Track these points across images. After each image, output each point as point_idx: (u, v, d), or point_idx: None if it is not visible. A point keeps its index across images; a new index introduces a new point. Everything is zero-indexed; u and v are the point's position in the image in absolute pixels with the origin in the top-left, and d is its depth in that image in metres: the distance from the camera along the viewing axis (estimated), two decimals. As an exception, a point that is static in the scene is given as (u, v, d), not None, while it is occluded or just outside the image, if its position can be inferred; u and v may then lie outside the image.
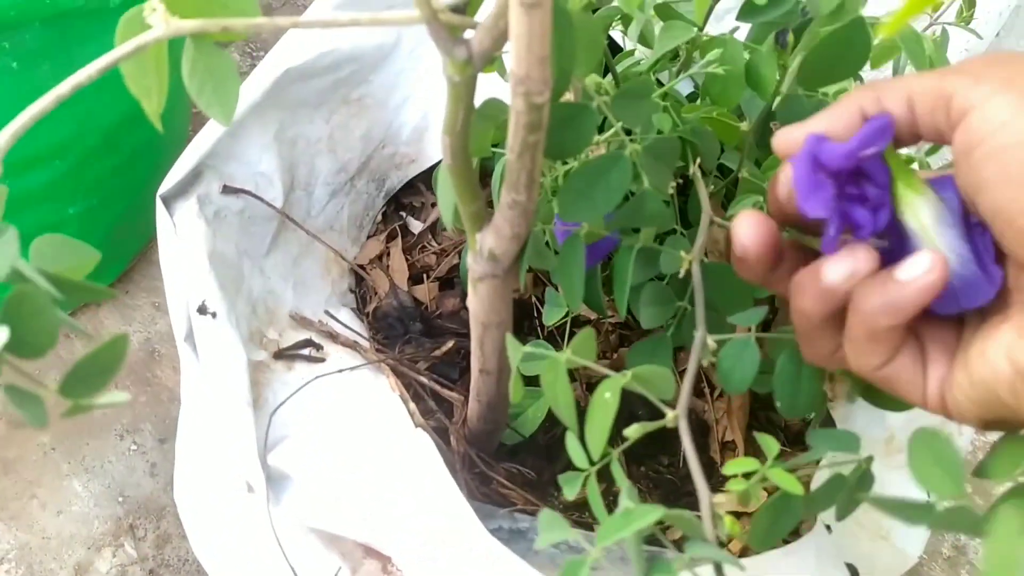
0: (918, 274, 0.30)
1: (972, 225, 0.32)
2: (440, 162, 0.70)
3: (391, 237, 0.79)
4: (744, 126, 0.57)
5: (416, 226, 0.80)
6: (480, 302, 0.50)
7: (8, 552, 0.91)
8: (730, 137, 0.59)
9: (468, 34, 0.38)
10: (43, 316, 0.31)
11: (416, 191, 0.82)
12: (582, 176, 0.42)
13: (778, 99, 0.54)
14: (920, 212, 0.32)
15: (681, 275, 0.47)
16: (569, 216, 0.43)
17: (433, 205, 0.81)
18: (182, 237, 0.59)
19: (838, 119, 0.34)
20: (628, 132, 0.49)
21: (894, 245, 0.33)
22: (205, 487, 0.70)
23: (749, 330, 0.45)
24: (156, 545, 0.93)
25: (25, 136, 0.89)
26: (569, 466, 0.71)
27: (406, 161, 0.79)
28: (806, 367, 0.44)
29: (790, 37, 0.51)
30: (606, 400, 0.38)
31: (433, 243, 0.79)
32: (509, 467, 0.66)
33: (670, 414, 0.40)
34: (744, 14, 0.53)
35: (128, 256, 1.08)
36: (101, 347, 0.32)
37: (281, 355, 0.63)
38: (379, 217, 0.80)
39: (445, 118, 0.41)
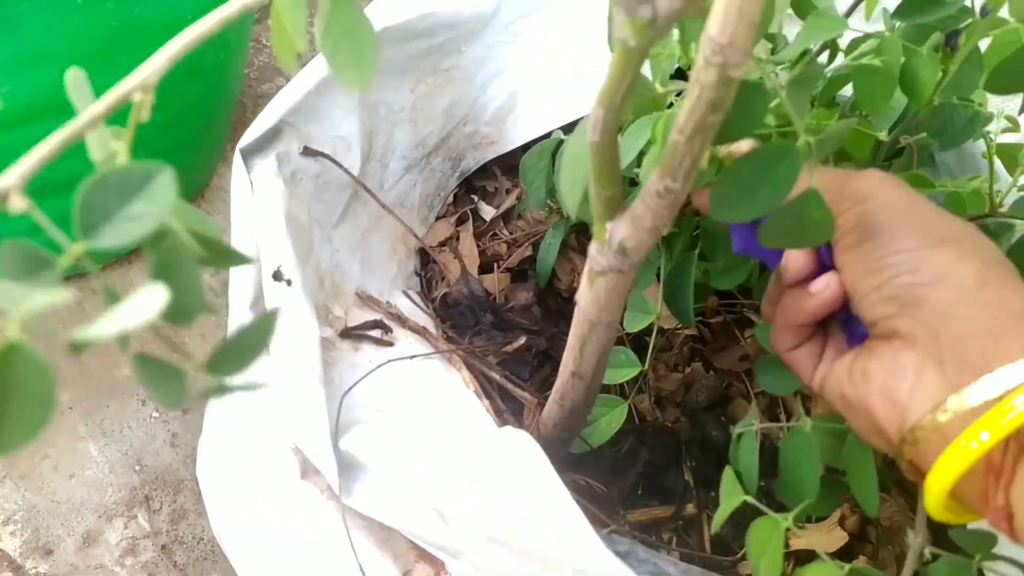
0: (820, 288, 0.41)
1: None
2: (535, 144, 0.66)
3: (461, 221, 0.74)
4: (883, 136, 0.52)
5: (488, 212, 0.75)
6: (595, 298, 0.45)
7: (15, 513, 0.86)
8: (860, 148, 0.55)
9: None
10: (192, 276, 0.26)
11: (490, 175, 0.77)
12: (749, 166, 0.37)
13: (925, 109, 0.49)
14: None
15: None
16: (722, 212, 0.38)
17: (507, 191, 0.76)
18: (258, 196, 0.54)
19: None
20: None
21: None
22: (238, 465, 0.66)
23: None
24: (171, 520, 0.88)
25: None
26: (636, 486, 0.66)
27: (485, 142, 0.74)
28: None
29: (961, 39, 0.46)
30: None
31: (504, 231, 0.74)
32: (578, 479, 0.61)
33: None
34: (903, 12, 0.48)
35: (166, 215, 1.03)
36: (253, 324, 0.27)
37: (348, 334, 0.59)
38: (450, 199, 0.75)
39: (604, 87, 0.36)
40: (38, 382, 0.21)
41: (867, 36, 0.47)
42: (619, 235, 0.41)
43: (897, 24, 0.50)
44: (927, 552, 0.40)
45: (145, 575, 0.85)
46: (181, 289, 0.25)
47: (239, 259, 0.31)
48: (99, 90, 0.78)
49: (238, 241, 0.55)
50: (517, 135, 0.74)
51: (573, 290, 0.73)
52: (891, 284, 0.38)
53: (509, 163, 0.77)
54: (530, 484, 0.42)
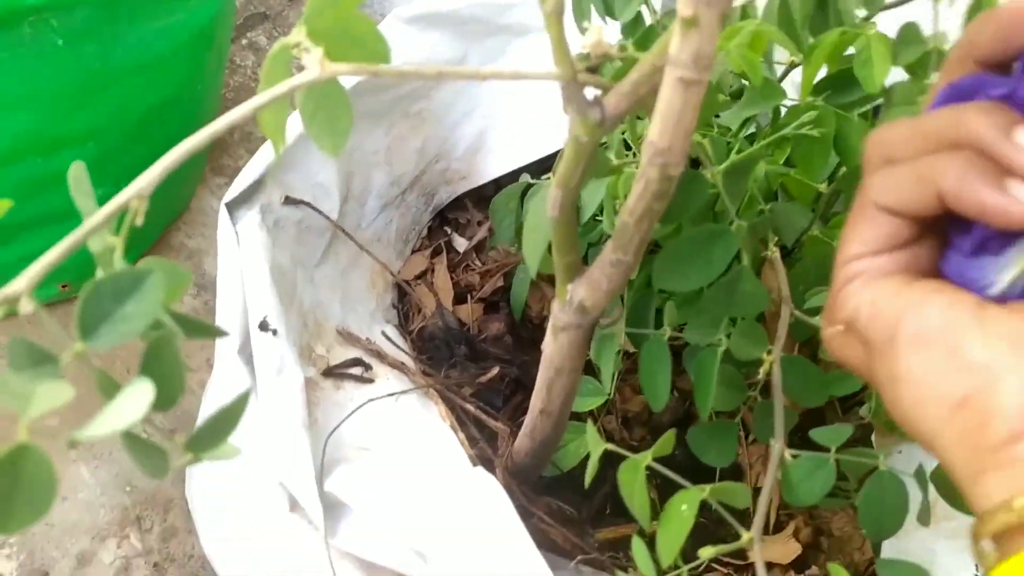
0: None
1: None
2: (504, 178, 0.70)
3: (436, 253, 0.78)
4: (823, 188, 0.56)
5: (461, 244, 0.79)
6: (559, 349, 0.49)
7: (9, 537, 0.89)
8: (805, 197, 0.59)
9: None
10: (176, 365, 0.30)
11: (463, 207, 0.81)
12: (685, 245, 0.42)
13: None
14: None
15: (760, 376, 0.46)
16: (663, 285, 0.43)
17: (479, 223, 0.80)
18: (244, 248, 0.58)
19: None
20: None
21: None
22: (227, 492, 0.69)
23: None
24: (162, 538, 0.92)
25: (62, 117, 0.87)
26: (605, 505, 0.70)
27: (457, 177, 0.78)
28: (893, 493, 0.43)
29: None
30: (682, 513, 0.39)
31: (477, 262, 0.78)
32: (549, 502, 0.65)
33: (745, 536, 0.40)
34: (821, 89, 0.53)
35: (148, 240, 1.06)
36: (228, 406, 0.31)
37: (330, 373, 0.62)
38: (425, 232, 0.79)
39: (561, 172, 0.40)
40: (43, 476, 0.24)
41: (806, 106, 0.52)
42: (579, 296, 0.45)
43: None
44: (787, 455, 0.44)
45: (138, 593, 0.88)
46: (165, 378, 0.28)
47: (211, 332, 0.35)
48: (81, 129, 0.80)
49: (225, 291, 0.58)
50: (487, 170, 0.78)
51: (544, 318, 0.77)
52: None
53: (480, 195, 0.80)
54: (495, 528, 0.46)
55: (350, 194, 0.70)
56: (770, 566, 0.68)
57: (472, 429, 0.65)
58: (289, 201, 0.62)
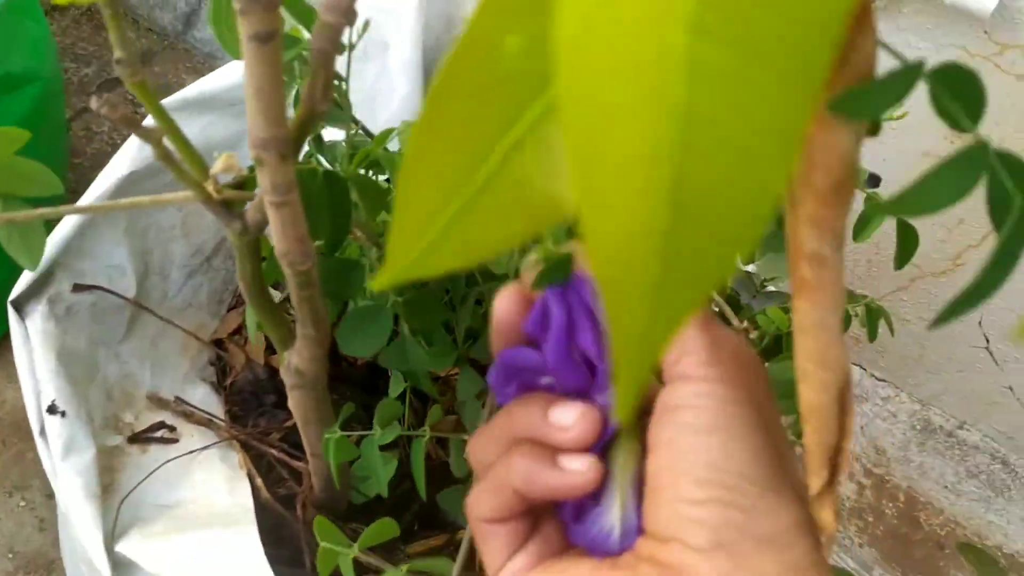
0: (568, 421, 0.29)
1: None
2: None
3: (251, 308, 0.84)
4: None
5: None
6: (297, 404, 0.56)
7: (-102, 615, 0.94)
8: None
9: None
10: None
11: (275, 261, 0.87)
12: (355, 319, 0.49)
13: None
14: (631, 460, 0.30)
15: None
16: (348, 349, 0.50)
17: (291, 275, 0.86)
18: (33, 340, 0.64)
19: None
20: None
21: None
22: (81, 553, 0.76)
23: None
24: (46, 599, 0.97)
25: None
26: (414, 522, 0.78)
27: (262, 236, 0.84)
28: None
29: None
30: None
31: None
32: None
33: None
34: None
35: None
36: None
37: (136, 439, 0.69)
38: (239, 290, 0.85)
39: (238, 267, 0.47)
40: None
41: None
42: (293, 362, 0.52)
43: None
44: None
45: (28, 652, 0.94)
46: None
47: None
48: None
49: (23, 382, 0.64)
50: (290, 226, 0.84)
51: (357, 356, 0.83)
52: (718, 505, 0.26)
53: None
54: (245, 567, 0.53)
55: (150, 269, 0.76)
56: None
57: (282, 471, 0.72)
58: (78, 288, 0.68)
